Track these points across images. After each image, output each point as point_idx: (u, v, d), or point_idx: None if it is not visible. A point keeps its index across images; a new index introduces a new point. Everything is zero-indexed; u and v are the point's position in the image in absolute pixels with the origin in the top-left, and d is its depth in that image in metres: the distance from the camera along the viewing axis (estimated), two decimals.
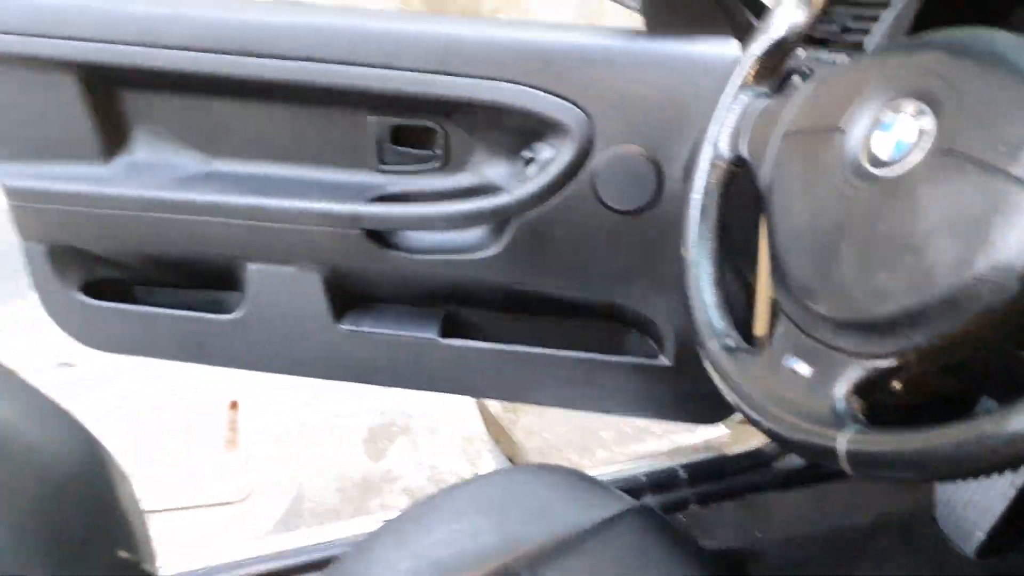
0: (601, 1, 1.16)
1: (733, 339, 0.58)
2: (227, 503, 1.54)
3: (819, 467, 0.60)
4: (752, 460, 1.20)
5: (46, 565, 0.51)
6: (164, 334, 1.05)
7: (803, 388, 0.48)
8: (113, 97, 0.93)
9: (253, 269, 0.99)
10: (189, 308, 1.04)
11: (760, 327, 0.81)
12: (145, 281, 1.08)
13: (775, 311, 0.56)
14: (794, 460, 1.18)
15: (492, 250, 0.93)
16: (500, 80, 0.86)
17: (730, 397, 0.54)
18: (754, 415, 0.51)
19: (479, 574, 0.69)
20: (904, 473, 0.41)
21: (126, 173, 0.97)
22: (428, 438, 1.75)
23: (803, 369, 0.49)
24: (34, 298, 1.04)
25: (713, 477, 1.18)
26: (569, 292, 0.98)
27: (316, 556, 1.05)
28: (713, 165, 0.63)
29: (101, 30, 0.87)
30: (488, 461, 1.71)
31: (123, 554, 0.60)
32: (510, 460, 1.79)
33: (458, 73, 0.86)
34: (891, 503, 1.16)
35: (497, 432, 1.83)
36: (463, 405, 1.86)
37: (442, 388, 1.04)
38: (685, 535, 0.76)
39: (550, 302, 0.99)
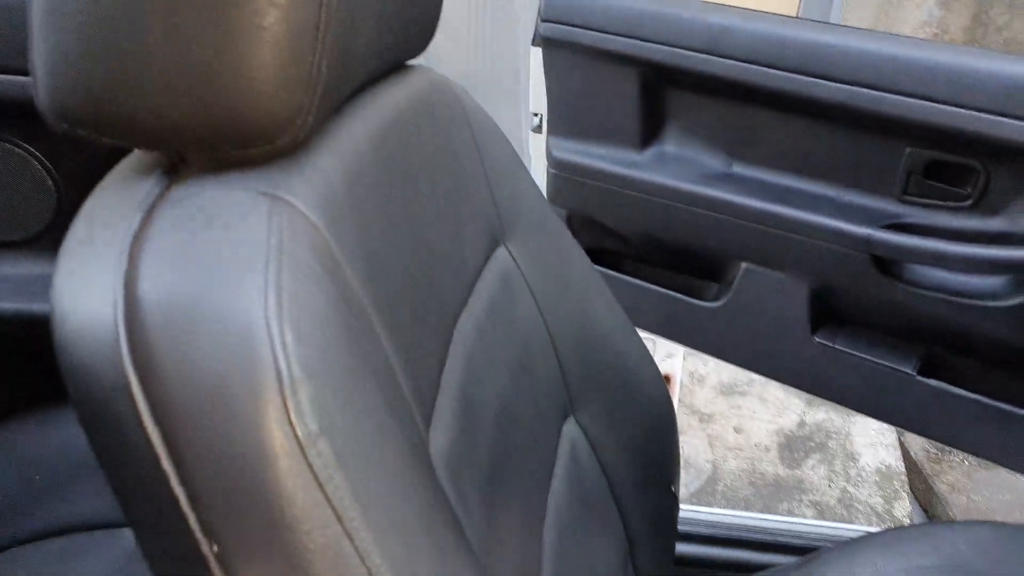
0: None
1: None
2: None
3: None
4: None
5: None
6: (649, 308, 1.17)
7: None
8: (662, 93, 1.06)
9: (744, 267, 1.06)
10: (668, 287, 1.15)
11: None
12: (637, 257, 1.21)
13: None
14: None
15: (1011, 301, 0.87)
16: None
17: None
18: None
19: None
20: None
21: (655, 161, 1.09)
22: (845, 462, 1.70)
23: None
24: None
25: None
26: None
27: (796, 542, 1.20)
28: None
29: (672, 35, 0.98)
30: (904, 503, 1.62)
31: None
32: (924, 510, 1.68)
33: (1016, 116, 0.81)
34: None
35: (915, 478, 1.73)
36: (885, 439, 1.77)
37: (909, 426, 1.01)
38: None
39: None
